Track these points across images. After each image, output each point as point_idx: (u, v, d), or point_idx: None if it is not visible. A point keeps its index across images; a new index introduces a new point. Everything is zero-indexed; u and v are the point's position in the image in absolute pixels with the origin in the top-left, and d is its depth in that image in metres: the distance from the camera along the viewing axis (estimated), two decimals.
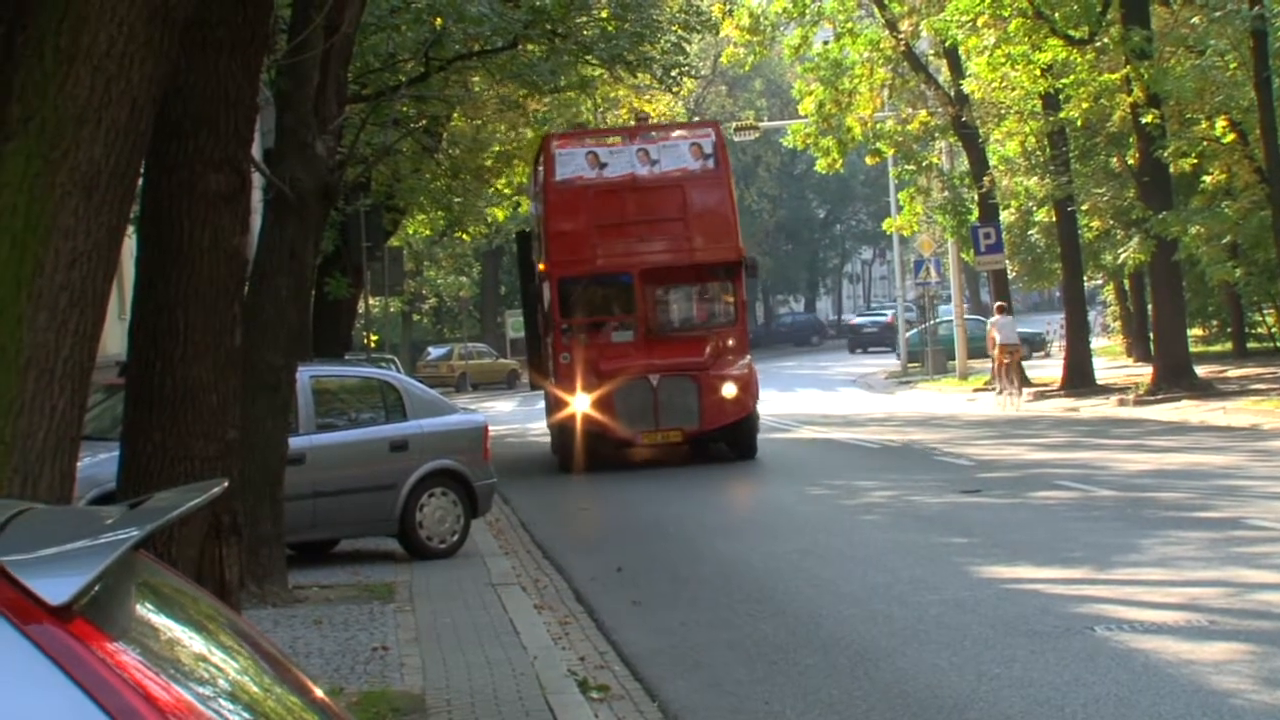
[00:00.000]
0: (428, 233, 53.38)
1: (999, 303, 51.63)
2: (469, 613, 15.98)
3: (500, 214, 50.25)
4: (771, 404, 42.01)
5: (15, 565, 3.16)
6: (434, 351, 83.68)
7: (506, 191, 45.56)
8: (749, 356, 31.24)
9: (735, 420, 29.60)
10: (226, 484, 4.08)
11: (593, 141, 31.94)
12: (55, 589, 3.10)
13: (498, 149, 41.20)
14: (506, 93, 35.51)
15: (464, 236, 59.26)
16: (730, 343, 30.48)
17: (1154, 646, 13.71)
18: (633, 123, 41.22)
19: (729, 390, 29.00)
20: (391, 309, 68.56)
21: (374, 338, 50.37)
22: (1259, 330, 63.37)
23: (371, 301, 41.12)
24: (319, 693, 4.02)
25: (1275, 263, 47.44)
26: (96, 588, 3.18)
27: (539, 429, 38.66)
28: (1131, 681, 12.51)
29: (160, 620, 3.41)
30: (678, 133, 34.02)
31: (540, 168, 31.74)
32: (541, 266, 30.68)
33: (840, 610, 16.28)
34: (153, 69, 6.38)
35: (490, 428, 23.45)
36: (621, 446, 29.30)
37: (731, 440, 30.20)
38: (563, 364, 28.95)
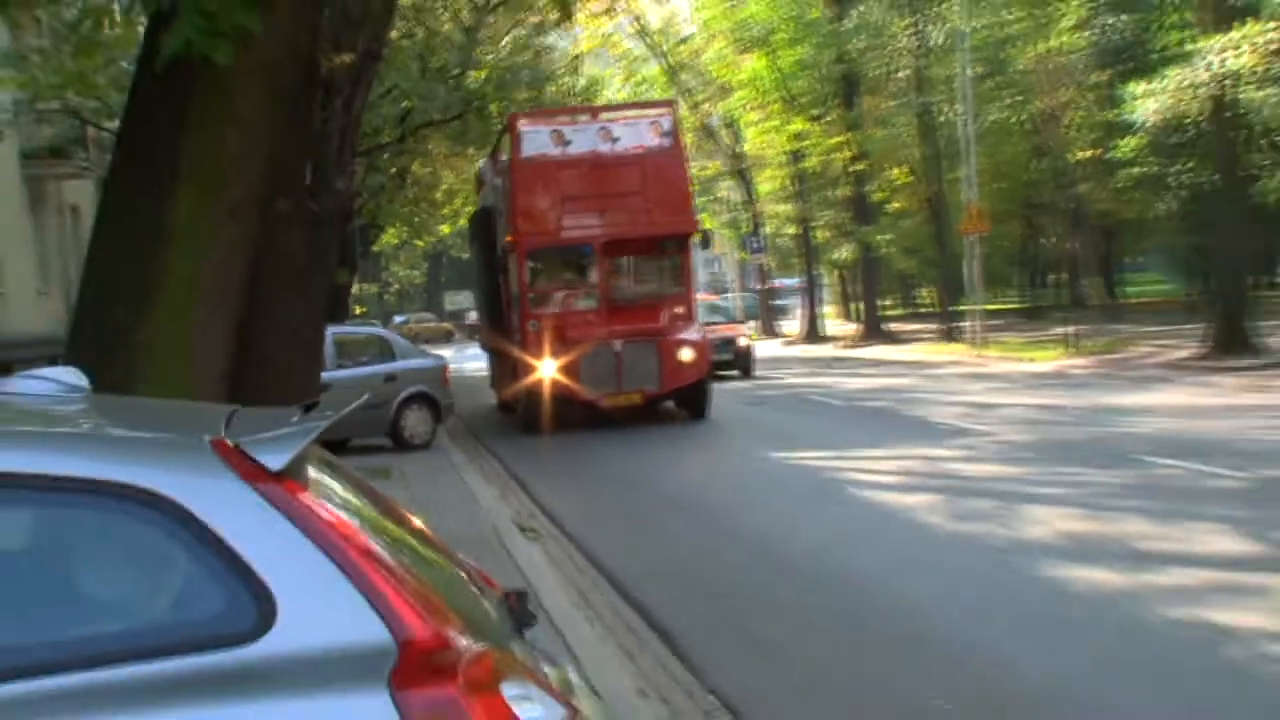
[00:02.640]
0: (396, 241, 52.71)
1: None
2: (442, 485, 15.89)
3: (446, 229, 50.13)
4: None
5: (247, 444, 3.15)
6: (397, 319, 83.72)
7: (449, 215, 45.36)
8: (698, 323, 24.34)
9: (692, 382, 22.63)
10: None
11: (557, 120, 24.45)
12: (274, 459, 3.11)
13: (445, 187, 39.89)
14: (453, 150, 33.53)
15: (419, 244, 59.31)
16: (680, 310, 23.32)
17: (878, 498, 13.90)
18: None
19: (687, 354, 22.22)
20: (371, 291, 68.87)
21: (361, 309, 50.43)
22: (920, 301, 64.71)
23: (358, 286, 41.05)
24: (416, 522, 4.05)
25: (933, 259, 48.08)
26: (297, 436, 3.22)
27: (472, 367, 36.36)
28: (863, 517, 12.83)
29: (320, 477, 3.43)
30: (637, 111, 26.08)
31: (505, 146, 24.34)
32: (509, 239, 23.41)
33: (674, 480, 16.42)
34: (276, 133, 6.27)
35: None
36: (585, 408, 22.25)
37: (685, 401, 23.16)
38: (530, 331, 22.15)
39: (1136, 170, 39.15)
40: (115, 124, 25.45)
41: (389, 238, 48.17)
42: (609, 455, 19.31)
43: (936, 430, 19.51)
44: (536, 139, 22.89)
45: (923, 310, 61.80)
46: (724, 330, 33.18)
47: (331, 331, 19.45)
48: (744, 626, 8.98)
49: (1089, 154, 42.54)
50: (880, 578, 10.22)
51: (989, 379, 28.97)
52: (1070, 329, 35.58)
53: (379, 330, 26.68)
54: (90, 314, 6.04)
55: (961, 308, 42.83)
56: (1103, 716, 6.74)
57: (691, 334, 22.90)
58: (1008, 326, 44.95)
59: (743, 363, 33.29)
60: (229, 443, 3.17)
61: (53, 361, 4.40)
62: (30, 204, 28.27)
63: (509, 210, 23.38)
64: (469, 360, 39.40)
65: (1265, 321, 30.87)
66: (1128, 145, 36.74)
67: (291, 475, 3.14)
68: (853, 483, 15.14)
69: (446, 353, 28.31)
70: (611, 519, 14.01)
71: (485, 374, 30.04)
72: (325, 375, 18.49)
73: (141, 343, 5.81)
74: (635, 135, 23.22)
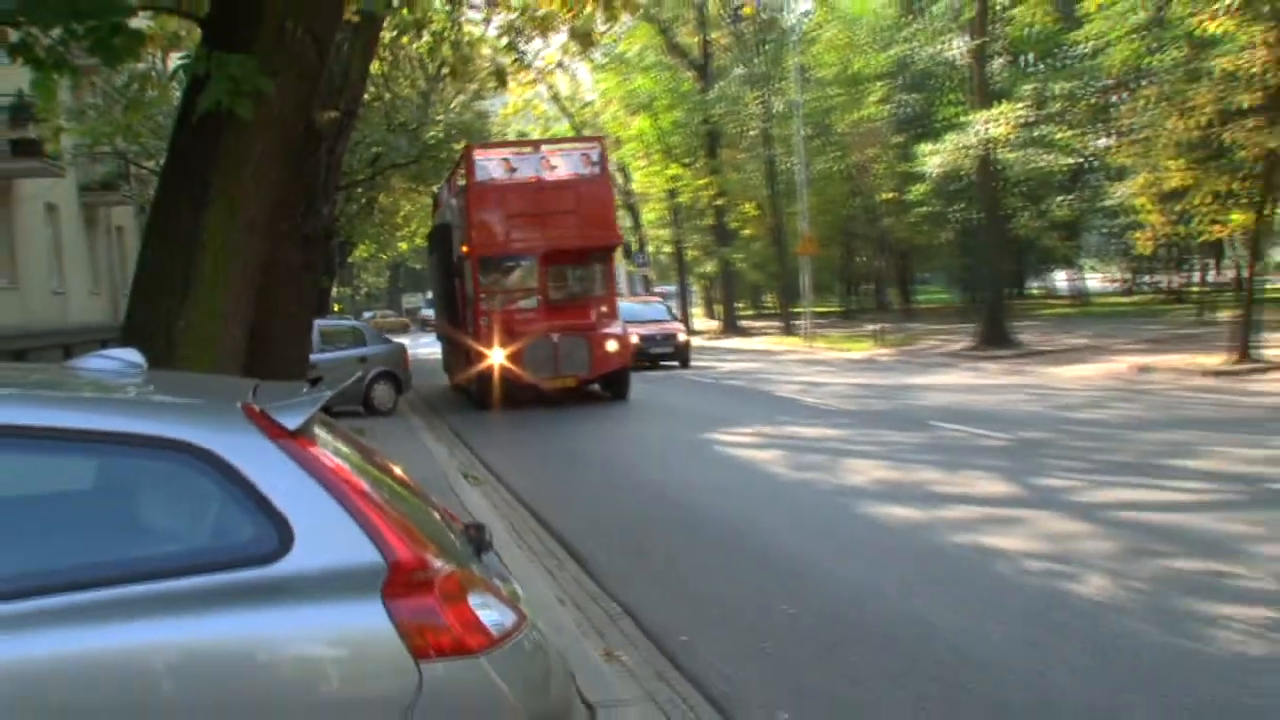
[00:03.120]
0: (366, 255, 51.73)
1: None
2: (404, 443, 15.67)
3: (404, 246, 49.34)
4: None
5: (269, 409, 3.16)
6: (366, 314, 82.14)
7: (406, 235, 44.65)
8: (620, 320, 22.20)
9: (616, 369, 21.05)
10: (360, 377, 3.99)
11: (505, 151, 22.45)
12: (290, 421, 3.12)
13: (403, 213, 38.90)
14: (411, 186, 32.45)
15: (383, 257, 58.37)
16: (604, 309, 21.52)
17: (738, 453, 13.96)
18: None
19: (612, 346, 20.74)
20: (346, 293, 67.87)
21: (338, 306, 49.69)
22: (766, 304, 64.87)
23: (336, 289, 40.32)
24: (397, 470, 4.03)
25: (775, 273, 48.33)
26: (308, 403, 3.24)
27: (425, 352, 34.84)
28: (728, 465, 12.74)
29: (323, 435, 3.41)
30: (571, 145, 24.25)
31: (461, 172, 22.28)
32: (464, 249, 21.51)
33: (592, 442, 16.19)
34: (282, 170, 6.17)
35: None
36: (528, 389, 20.45)
37: (610, 385, 21.42)
38: (483, 326, 20.43)
39: (924, 209, 39.83)
40: (152, 163, 25.54)
41: (360, 252, 47.31)
42: (543, 425, 18.84)
43: (781, 402, 19.59)
44: (488, 166, 21.21)
45: (767, 312, 61.88)
46: (666, 327, 29.85)
47: (317, 324, 19.17)
48: (632, 540, 8.98)
49: (890, 196, 43.12)
50: (740, 512, 10.28)
51: (818, 364, 29.12)
52: (877, 327, 36.10)
53: (354, 322, 26.26)
54: (139, 308, 5.95)
55: (797, 310, 43.16)
56: (908, 616, 6.84)
57: (616, 329, 21.23)
58: (831, 325, 45.38)
59: (681, 355, 29.55)
60: (256, 408, 3.18)
61: (104, 345, 4.31)
62: (85, 226, 28.43)
63: (465, 225, 21.57)
64: (423, 347, 38.67)
65: (1017, 322, 31.63)
66: (918, 190, 37.41)
67: (304, 433, 3.16)
68: (719, 441, 15.17)
69: (404, 340, 27.84)
70: (538, 469, 13.88)
71: (437, 357, 28.94)
72: (312, 357, 18.30)
73: (179, 330, 5.71)
74: (570, 164, 21.56)
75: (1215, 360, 20.83)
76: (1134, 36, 25.78)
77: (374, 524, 3.00)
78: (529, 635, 3.20)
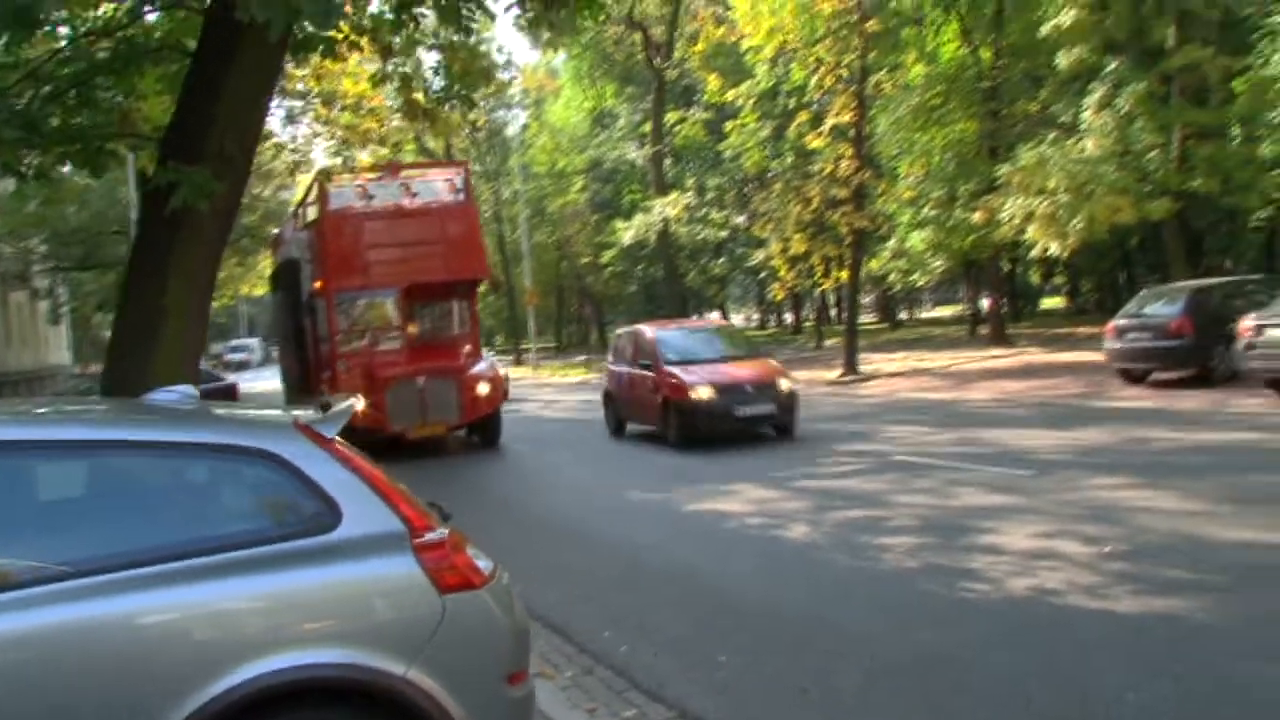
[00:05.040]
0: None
1: None
2: None
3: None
4: None
5: (313, 423, 3.34)
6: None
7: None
8: (488, 359, 16.45)
9: (486, 414, 14.97)
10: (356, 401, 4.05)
11: (361, 177, 16.10)
12: (329, 432, 3.33)
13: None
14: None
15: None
16: (468, 348, 15.71)
17: (529, 461, 13.83)
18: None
19: (484, 389, 14.73)
20: None
21: None
22: (499, 343, 64.47)
23: None
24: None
25: (507, 319, 48.16)
26: (338, 419, 3.41)
27: (260, 388, 28.85)
28: (522, 468, 12.76)
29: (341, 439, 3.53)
30: (434, 170, 17.46)
31: (311, 202, 16.52)
32: (318, 285, 15.48)
33: (441, 467, 14.44)
34: (221, 249, 5.99)
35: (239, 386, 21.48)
36: (393, 440, 14.00)
37: (480, 430, 15.39)
38: (340, 370, 14.71)
39: (615, 269, 41.34)
40: (27, 243, 24.15)
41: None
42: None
43: (533, 421, 19.49)
44: (342, 194, 15.53)
45: (501, 349, 61.28)
46: (757, 370, 13.62)
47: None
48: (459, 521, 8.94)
49: (589, 260, 44.40)
50: (537, 501, 10.36)
51: (548, 387, 29.13)
52: (584, 357, 37.00)
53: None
54: (121, 358, 5.78)
55: (525, 346, 43.48)
56: (676, 562, 7.20)
57: (485, 369, 15.33)
58: (550, 357, 45.68)
59: (785, 417, 13.12)
60: (303, 423, 3.34)
61: None
62: None
63: (318, 259, 15.64)
64: (245, 381, 34.91)
65: None
66: (610, 255, 38.80)
67: (336, 440, 3.34)
68: (506, 450, 15.02)
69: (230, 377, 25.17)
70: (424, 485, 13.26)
71: (268, 392, 24.87)
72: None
73: (151, 376, 5.53)
74: (432, 191, 15.93)
75: (832, 374, 22.78)
76: (761, 147, 28.56)
77: (395, 502, 3.26)
78: (501, 574, 3.51)
